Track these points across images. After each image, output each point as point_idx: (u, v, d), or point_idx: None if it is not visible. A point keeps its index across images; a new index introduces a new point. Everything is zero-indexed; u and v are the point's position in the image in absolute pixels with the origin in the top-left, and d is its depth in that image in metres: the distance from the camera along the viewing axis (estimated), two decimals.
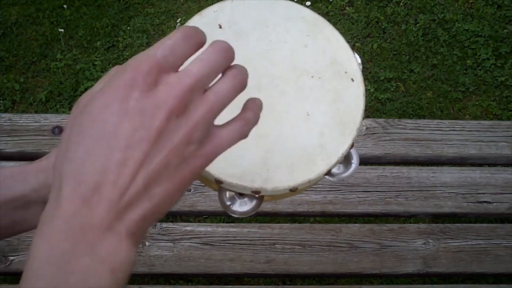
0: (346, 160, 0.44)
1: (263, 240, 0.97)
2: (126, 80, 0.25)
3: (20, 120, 1.01)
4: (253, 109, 0.30)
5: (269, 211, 0.98)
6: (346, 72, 0.45)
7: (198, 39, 0.27)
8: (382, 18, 1.96)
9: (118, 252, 0.24)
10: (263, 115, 0.42)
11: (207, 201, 0.98)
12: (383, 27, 1.94)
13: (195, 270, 0.94)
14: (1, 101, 1.73)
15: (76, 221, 0.23)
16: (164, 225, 0.97)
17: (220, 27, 0.44)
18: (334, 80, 0.44)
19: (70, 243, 0.23)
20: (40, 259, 0.23)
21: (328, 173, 0.43)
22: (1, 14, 1.91)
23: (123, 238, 0.24)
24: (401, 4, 2.00)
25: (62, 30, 1.87)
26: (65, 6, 1.94)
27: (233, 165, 0.40)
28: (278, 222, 1.22)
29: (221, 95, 0.27)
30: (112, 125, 0.24)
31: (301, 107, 0.43)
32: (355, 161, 0.45)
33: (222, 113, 0.29)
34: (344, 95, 0.44)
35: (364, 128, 1.00)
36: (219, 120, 0.29)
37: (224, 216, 1.45)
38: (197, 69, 0.26)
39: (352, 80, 0.44)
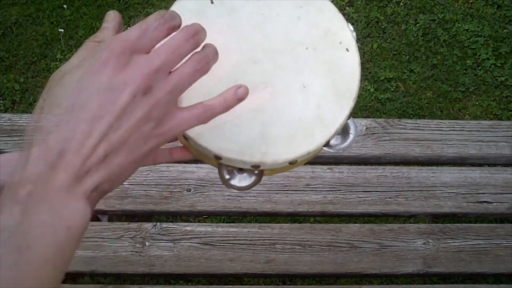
0: (344, 131, 0.45)
1: (263, 240, 0.96)
2: (102, 59, 0.27)
3: (20, 120, 1.01)
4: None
5: (269, 211, 0.98)
6: (340, 43, 0.45)
7: (172, 24, 0.29)
8: (382, 18, 1.96)
9: (75, 212, 0.26)
10: (259, 89, 0.43)
11: (207, 201, 0.98)
12: (383, 27, 1.94)
13: (195, 270, 0.94)
14: (1, 101, 1.73)
15: (40, 182, 0.26)
16: (164, 225, 0.97)
17: (212, 2, 0.44)
18: (329, 50, 0.44)
19: (33, 201, 0.25)
20: (4, 213, 0.25)
21: (327, 144, 0.43)
22: (1, 14, 1.90)
23: (81, 200, 0.27)
24: (401, 4, 2.00)
25: (62, 30, 1.87)
26: (65, 6, 1.94)
27: (231, 140, 0.40)
28: (278, 222, 1.22)
29: (183, 78, 0.29)
30: (82, 99, 0.27)
31: (297, 79, 0.43)
32: (353, 131, 0.45)
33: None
34: (340, 65, 0.44)
35: (364, 128, 1.00)
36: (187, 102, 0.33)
37: (224, 216, 1.45)
38: (165, 53, 0.28)
39: (347, 50, 0.44)
